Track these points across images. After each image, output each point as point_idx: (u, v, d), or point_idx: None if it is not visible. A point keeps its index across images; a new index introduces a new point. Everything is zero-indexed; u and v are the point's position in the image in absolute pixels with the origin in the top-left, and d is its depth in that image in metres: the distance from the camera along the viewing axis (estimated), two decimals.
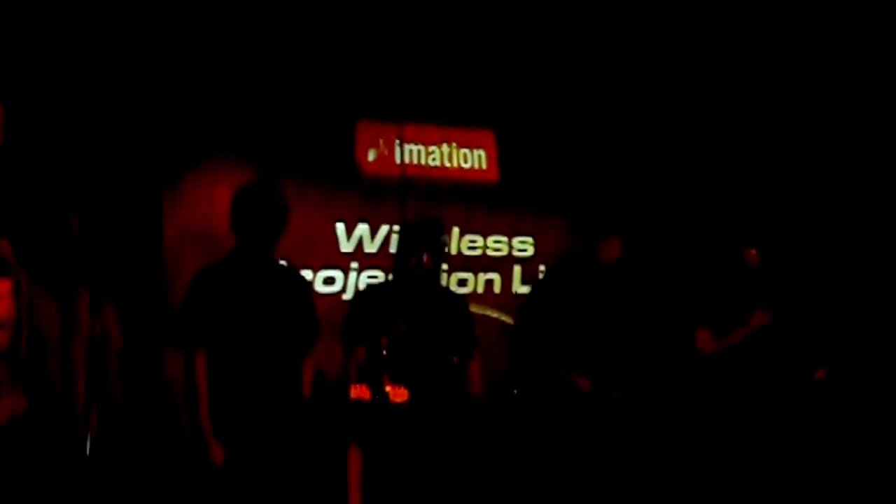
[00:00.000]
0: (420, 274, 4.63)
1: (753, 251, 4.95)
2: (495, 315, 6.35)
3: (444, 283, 6.11)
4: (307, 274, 5.84)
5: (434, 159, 6.47)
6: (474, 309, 6.20)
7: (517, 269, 6.57)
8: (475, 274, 6.41)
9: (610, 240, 4.87)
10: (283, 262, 4.61)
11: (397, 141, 6.34)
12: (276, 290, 4.26)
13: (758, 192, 6.50)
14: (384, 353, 4.42)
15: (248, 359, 4.09)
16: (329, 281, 6.00)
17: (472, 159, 6.58)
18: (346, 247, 6.10)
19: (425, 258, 4.60)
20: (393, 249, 6.10)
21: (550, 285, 5.07)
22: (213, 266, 4.32)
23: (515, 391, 4.74)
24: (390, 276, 4.89)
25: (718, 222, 5.99)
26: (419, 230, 4.71)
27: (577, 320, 4.76)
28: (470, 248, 6.43)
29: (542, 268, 6.60)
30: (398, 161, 6.32)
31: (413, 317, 4.57)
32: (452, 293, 5.11)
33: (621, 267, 4.94)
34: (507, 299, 6.43)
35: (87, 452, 3.44)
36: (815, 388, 4.97)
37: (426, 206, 6.16)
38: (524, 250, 6.62)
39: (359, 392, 4.25)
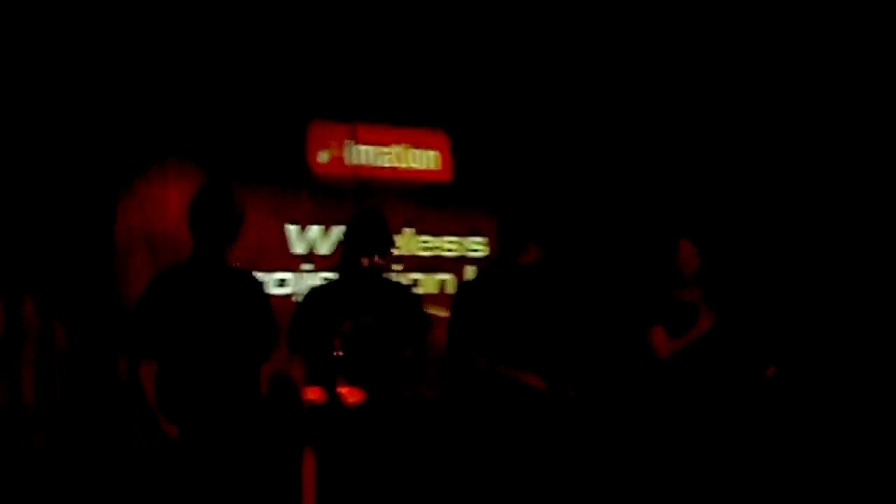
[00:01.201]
0: (364, 270, 4.58)
1: (689, 246, 4.94)
2: (444, 315, 6.32)
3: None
4: (259, 276, 5.77)
5: (387, 160, 6.45)
6: (429, 310, 6.21)
7: (470, 270, 6.57)
8: (428, 274, 6.39)
9: (529, 246, 4.73)
10: (238, 266, 4.53)
11: (349, 141, 6.30)
12: (231, 296, 4.19)
13: (703, 192, 6.57)
14: (338, 353, 4.38)
15: (202, 365, 4.04)
16: (281, 283, 5.95)
17: (424, 160, 6.57)
18: (299, 248, 6.06)
19: (376, 259, 4.56)
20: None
21: (478, 289, 4.99)
22: (167, 271, 4.25)
23: (467, 392, 4.71)
24: (334, 276, 4.82)
25: (662, 223, 6.04)
26: (365, 229, 4.65)
27: (511, 322, 4.68)
28: (423, 248, 6.41)
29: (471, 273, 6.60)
30: (350, 162, 6.29)
31: (360, 317, 4.54)
32: (397, 284, 5.06)
33: (546, 268, 4.88)
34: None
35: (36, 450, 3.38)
36: (767, 385, 5.00)
37: (378, 207, 6.12)
38: (477, 250, 6.62)
39: (313, 394, 4.22)
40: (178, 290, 4.10)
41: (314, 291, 4.78)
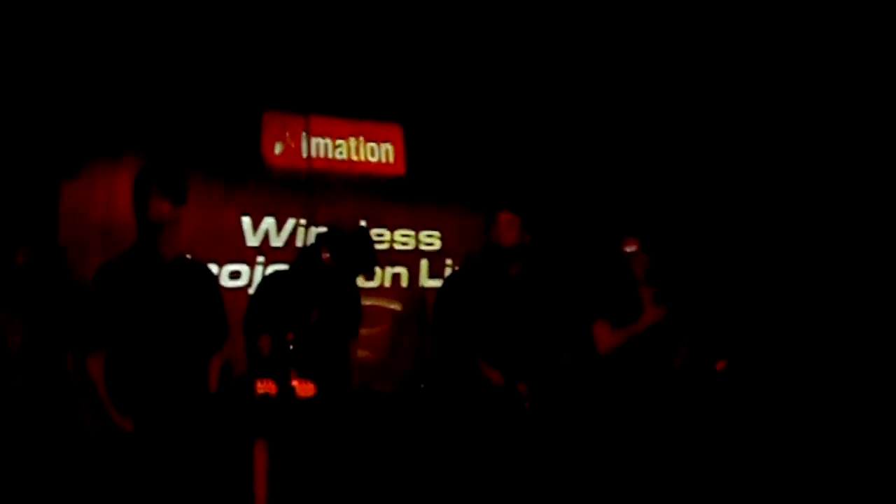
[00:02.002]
0: (325, 266, 4.62)
1: (634, 243, 4.97)
2: (392, 306, 6.36)
3: None
4: (212, 268, 5.76)
5: (341, 152, 6.46)
6: (382, 303, 6.24)
7: (424, 263, 6.59)
8: (382, 268, 6.40)
9: (498, 217, 4.70)
10: (188, 257, 4.51)
11: (304, 133, 6.29)
12: (181, 286, 4.17)
13: (652, 188, 6.63)
14: (291, 347, 4.39)
15: (152, 356, 4.01)
16: (235, 275, 5.94)
17: (379, 153, 6.58)
18: (252, 240, 6.05)
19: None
20: (300, 243, 6.12)
21: (461, 278, 5.04)
22: (111, 262, 4.20)
23: (422, 385, 4.75)
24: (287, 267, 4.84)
25: (614, 218, 6.10)
26: (358, 249, 4.69)
27: (486, 316, 4.74)
28: (377, 241, 6.42)
29: (448, 262, 6.63)
30: (305, 154, 6.28)
31: (319, 308, 4.57)
32: (352, 285, 5.10)
33: (526, 257, 4.91)
34: (414, 293, 6.45)
35: None
36: (717, 379, 5.06)
37: (332, 200, 6.14)
38: (431, 244, 6.65)
39: (265, 387, 4.22)
40: (125, 280, 4.06)
41: (266, 282, 4.79)
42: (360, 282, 6.11)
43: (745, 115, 6.57)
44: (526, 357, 4.72)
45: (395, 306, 6.39)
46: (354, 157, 6.50)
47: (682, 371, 4.92)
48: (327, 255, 4.60)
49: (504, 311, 4.71)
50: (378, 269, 6.38)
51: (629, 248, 4.91)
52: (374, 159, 6.56)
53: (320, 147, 6.37)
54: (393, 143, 6.63)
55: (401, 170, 6.62)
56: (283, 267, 5.96)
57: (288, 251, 6.10)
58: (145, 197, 4.02)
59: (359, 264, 4.66)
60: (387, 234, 6.48)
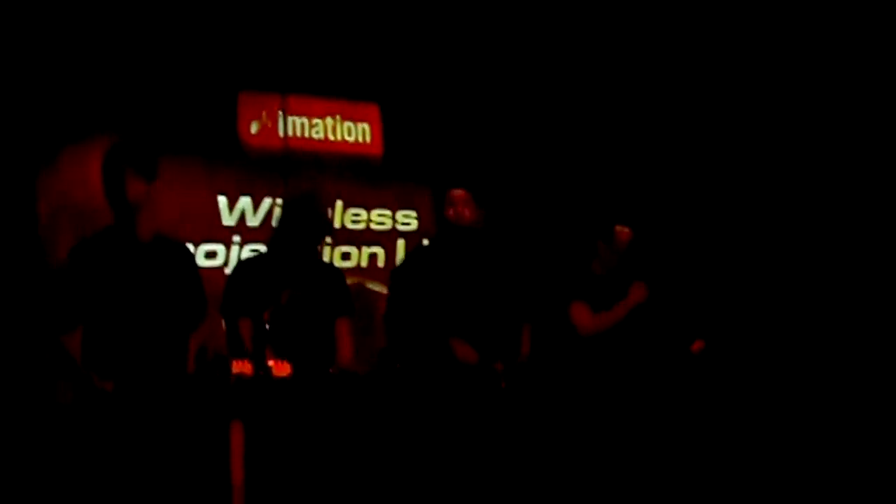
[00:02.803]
0: (299, 248, 4.61)
1: (626, 230, 5.02)
2: (378, 289, 6.36)
3: (327, 256, 6.12)
4: (188, 247, 5.74)
5: (318, 132, 6.43)
6: (372, 286, 6.24)
7: (401, 243, 6.59)
8: (359, 248, 6.41)
9: (450, 195, 4.74)
10: (167, 236, 4.49)
11: (280, 113, 6.27)
12: (158, 265, 4.15)
13: (634, 172, 6.65)
14: (266, 327, 4.39)
15: (129, 335, 4.00)
16: (210, 255, 5.92)
17: (356, 132, 6.57)
18: (229, 220, 6.03)
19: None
20: (276, 223, 6.09)
21: (418, 258, 5.04)
22: (86, 240, 4.17)
23: (398, 366, 4.75)
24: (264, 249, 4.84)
25: (596, 200, 6.11)
26: (304, 215, 4.68)
27: (446, 291, 4.73)
28: (353, 221, 6.42)
29: (425, 241, 6.62)
30: (281, 133, 6.26)
31: (294, 289, 4.56)
32: (331, 266, 5.09)
33: (493, 241, 4.93)
34: (390, 273, 6.44)
35: None
36: (693, 360, 5.10)
37: (309, 180, 6.13)
38: (408, 224, 6.65)
39: (241, 367, 4.21)
40: (101, 259, 4.04)
41: (244, 264, 4.79)
42: (338, 262, 6.17)
43: (724, 97, 6.59)
44: (499, 335, 4.74)
45: (374, 286, 6.39)
46: (331, 137, 6.48)
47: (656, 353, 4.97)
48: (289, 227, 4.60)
49: (467, 288, 4.70)
50: (354, 249, 6.39)
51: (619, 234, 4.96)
52: (350, 139, 6.54)
53: (297, 126, 6.35)
54: (370, 123, 6.61)
55: (378, 150, 6.60)
56: (259, 247, 6.00)
57: (264, 231, 6.08)
58: (120, 178, 4.00)
59: (307, 227, 4.63)
60: (363, 214, 6.47)
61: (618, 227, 5.02)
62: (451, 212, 4.76)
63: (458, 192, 4.76)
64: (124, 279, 4.05)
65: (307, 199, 4.72)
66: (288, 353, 4.29)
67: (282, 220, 4.71)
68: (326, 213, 4.69)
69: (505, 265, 4.92)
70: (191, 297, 4.25)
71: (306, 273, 4.60)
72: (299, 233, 4.58)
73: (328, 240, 6.01)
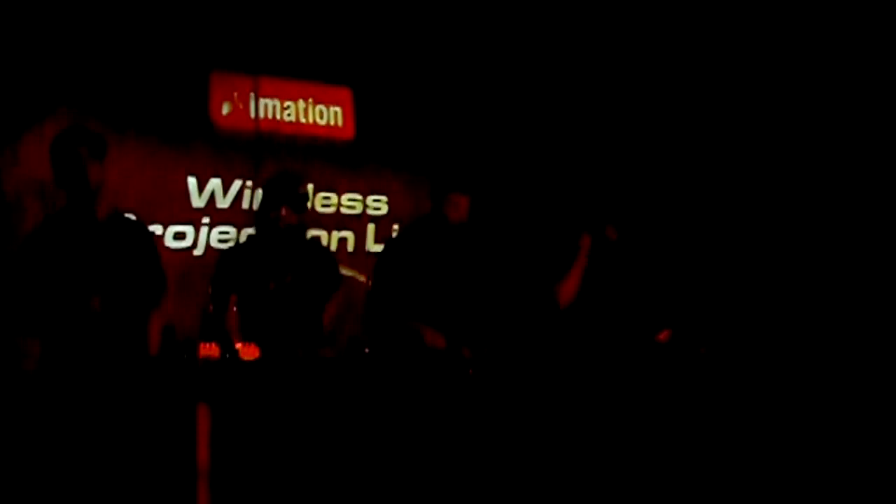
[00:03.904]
0: (282, 228, 4.65)
1: (612, 227, 5.08)
2: (349, 273, 6.36)
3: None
4: (157, 229, 5.73)
5: (289, 115, 6.41)
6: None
7: (371, 228, 6.59)
8: (329, 232, 6.40)
9: (454, 198, 4.85)
10: (128, 215, 4.45)
11: (252, 94, 6.24)
12: (115, 243, 4.10)
13: (616, 164, 6.67)
14: (234, 309, 4.40)
15: (84, 316, 3.97)
16: (180, 236, 5.90)
17: (327, 116, 6.55)
18: (198, 202, 6.00)
19: (283, 212, 4.62)
20: (246, 205, 6.10)
21: (403, 244, 5.10)
22: (39, 228, 4.13)
23: (367, 350, 4.76)
24: (251, 232, 4.89)
25: (580, 194, 6.13)
26: (277, 184, 4.72)
27: (428, 280, 4.81)
28: (324, 205, 6.41)
29: (395, 227, 6.64)
30: (253, 115, 6.24)
31: (278, 273, 4.58)
32: (316, 243, 5.15)
33: (473, 229, 4.98)
34: (360, 258, 6.45)
35: None
36: (660, 349, 5.13)
37: (280, 162, 6.11)
38: (378, 209, 6.65)
39: (208, 350, 4.21)
40: (56, 241, 4.00)
41: (231, 249, 4.83)
42: None
43: (708, 92, 6.62)
44: (469, 322, 4.78)
45: (346, 272, 6.38)
46: (303, 120, 6.46)
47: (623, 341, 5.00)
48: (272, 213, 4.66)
49: (447, 277, 4.76)
50: (324, 233, 6.38)
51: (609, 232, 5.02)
52: (322, 122, 6.52)
53: (268, 108, 6.32)
54: (342, 107, 6.60)
55: (349, 134, 6.59)
56: (228, 228, 6.00)
57: (234, 213, 6.08)
58: (79, 163, 3.99)
59: (282, 197, 4.67)
60: (334, 198, 6.46)
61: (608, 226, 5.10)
62: (449, 211, 4.83)
63: (461, 198, 4.84)
64: (82, 259, 4.00)
65: (282, 175, 4.77)
66: (274, 337, 4.34)
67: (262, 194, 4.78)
68: (300, 186, 4.73)
69: (485, 256, 5.00)
70: (149, 275, 4.21)
71: (291, 255, 4.65)
72: (274, 202, 4.65)
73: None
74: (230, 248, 5.04)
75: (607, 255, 5.06)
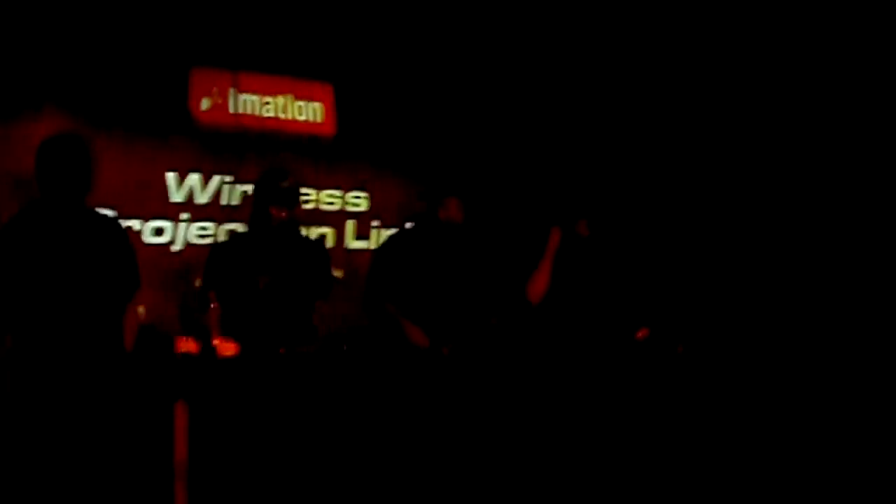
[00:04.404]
0: (273, 226, 4.68)
1: (584, 222, 5.09)
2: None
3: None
4: (135, 224, 5.72)
5: (270, 110, 6.40)
6: None
7: (350, 224, 6.59)
8: (308, 228, 6.37)
9: (448, 201, 4.96)
10: (102, 211, 4.40)
11: (232, 90, 6.23)
12: (83, 240, 4.07)
13: (591, 163, 6.68)
14: (212, 305, 4.39)
15: (57, 312, 3.94)
16: (158, 231, 5.88)
17: (308, 112, 6.54)
18: (177, 197, 5.98)
19: (272, 210, 4.65)
20: (225, 201, 6.09)
21: (403, 240, 5.16)
22: (12, 222, 4.10)
23: (345, 346, 4.77)
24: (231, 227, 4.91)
25: (556, 190, 6.13)
26: (262, 182, 4.76)
27: (421, 277, 4.85)
28: (303, 201, 6.38)
29: (374, 223, 6.64)
30: (233, 111, 6.22)
31: (270, 269, 4.61)
32: (309, 240, 5.19)
33: (465, 229, 5.03)
34: (339, 254, 6.44)
35: None
36: (637, 348, 5.15)
37: (260, 158, 6.10)
38: (358, 205, 6.64)
39: (186, 346, 4.20)
40: (27, 239, 3.97)
41: (224, 243, 4.84)
42: None
43: (680, 89, 6.65)
44: (454, 321, 4.82)
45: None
46: (283, 116, 6.45)
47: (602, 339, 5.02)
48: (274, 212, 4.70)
49: (438, 277, 4.81)
50: (304, 229, 6.36)
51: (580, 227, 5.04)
52: (302, 118, 6.51)
53: (248, 104, 6.31)
54: (323, 103, 6.59)
55: (330, 130, 6.58)
56: (207, 224, 5.98)
57: (213, 208, 6.06)
58: (89, 166, 4.01)
59: (272, 190, 4.70)
60: (313, 194, 6.46)
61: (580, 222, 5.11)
62: (444, 214, 4.97)
63: (454, 201, 4.97)
64: (51, 255, 3.97)
65: (277, 169, 4.82)
66: (260, 334, 4.34)
67: (254, 189, 4.83)
68: (290, 186, 4.75)
69: (474, 257, 5.07)
70: (122, 268, 4.17)
71: (284, 252, 4.71)
72: (267, 198, 4.69)
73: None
74: (221, 242, 5.04)
75: (579, 251, 5.06)
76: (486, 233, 5.88)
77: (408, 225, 5.35)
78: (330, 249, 6.42)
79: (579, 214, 5.09)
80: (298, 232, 5.00)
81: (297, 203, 4.82)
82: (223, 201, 6.10)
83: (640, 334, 5.20)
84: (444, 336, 4.76)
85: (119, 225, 4.28)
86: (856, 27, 5.90)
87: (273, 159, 6.05)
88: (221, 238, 5.96)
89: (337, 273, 6.22)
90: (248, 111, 6.30)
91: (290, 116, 6.47)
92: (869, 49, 5.89)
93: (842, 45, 6.00)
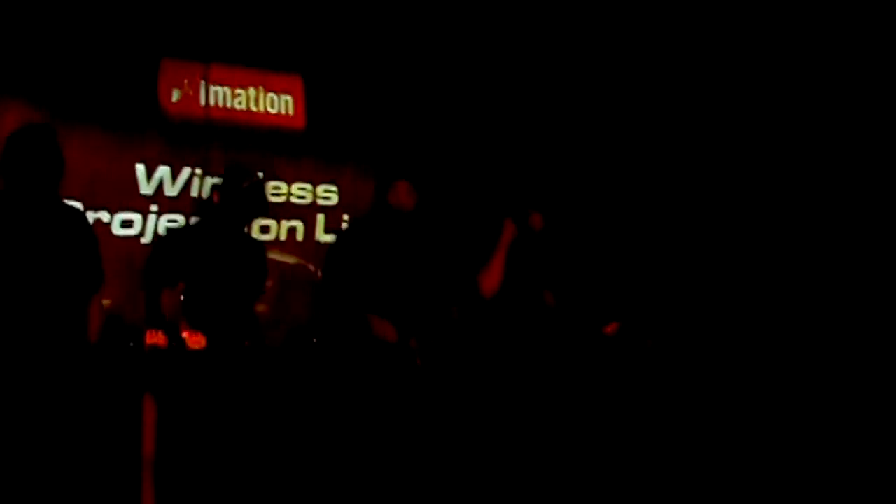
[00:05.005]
0: (223, 218, 4.62)
1: (538, 216, 5.07)
2: (295, 262, 6.36)
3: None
4: (104, 216, 5.69)
5: (240, 102, 6.38)
6: (276, 256, 6.21)
7: (321, 218, 6.58)
8: (278, 221, 6.38)
9: (397, 185, 4.78)
10: (69, 203, 4.37)
11: (202, 82, 6.20)
12: (47, 232, 4.04)
13: (557, 150, 6.71)
14: (182, 298, 4.37)
15: (20, 303, 3.91)
16: (127, 224, 5.85)
17: (278, 104, 6.52)
18: (146, 189, 5.95)
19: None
20: (195, 193, 6.06)
21: (352, 235, 5.08)
22: None
23: (315, 340, 4.77)
24: (192, 220, 4.83)
25: (509, 184, 6.15)
26: (223, 178, 4.71)
27: (377, 269, 4.79)
28: (273, 194, 6.37)
29: (345, 216, 6.63)
30: (203, 103, 6.20)
31: (214, 262, 4.55)
32: (253, 240, 5.10)
33: (419, 217, 4.97)
34: (310, 247, 6.44)
35: None
36: (606, 342, 5.17)
37: (230, 150, 6.09)
38: (328, 198, 6.63)
39: (154, 338, 4.19)
40: None
41: (167, 235, 4.76)
42: (257, 235, 6.14)
43: (638, 76, 6.68)
44: (417, 313, 4.77)
45: (291, 260, 6.38)
46: (253, 108, 6.42)
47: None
48: (217, 198, 4.61)
49: (396, 268, 4.76)
50: (274, 223, 6.37)
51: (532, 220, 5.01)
52: (273, 111, 6.49)
53: (219, 96, 6.29)
54: (293, 96, 6.57)
55: (300, 123, 6.57)
56: (176, 216, 5.96)
57: (182, 201, 6.04)
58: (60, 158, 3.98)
59: (247, 206, 4.65)
60: (284, 188, 6.44)
61: (532, 213, 5.08)
62: (394, 199, 4.78)
63: (404, 184, 4.78)
64: (18, 246, 3.95)
65: (252, 182, 4.74)
66: (203, 327, 4.29)
67: (222, 196, 4.68)
68: (266, 198, 4.71)
69: (432, 248, 4.97)
70: (86, 262, 4.13)
71: (228, 247, 4.61)
72: (240, 214, 4.62)
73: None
74: (166, 234, 4.94)
75: (532, 245, 5.05)
76: (441, 221, 5.86)
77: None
78: (300, 243, 6.46)
79: (532, 207, 5.06)
80: (242, 228, 4.91)
81: (262, 203, 4.79)
82: (193, 193, 6.08)
83: (609, 329, 5.23)
84: (408, 328, 4.72)
85: (84, 217, 4.25)
86: (842, 27, 5.94)
87: (244, 151, 6.04)
88: None
89: (290, 259, 6.24)
90: (219, 103, 6.28)
91: (260, 109, 6.45)
92: (850, 48, 5.94)
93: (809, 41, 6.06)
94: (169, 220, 5.97)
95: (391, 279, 4.73)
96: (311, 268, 6.34)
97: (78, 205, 5.47)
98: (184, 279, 4.49)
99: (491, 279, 4.94)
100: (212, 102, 6.23)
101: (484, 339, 4.98)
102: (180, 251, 4.57)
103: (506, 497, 4.63)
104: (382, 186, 4.81)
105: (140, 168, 5.94)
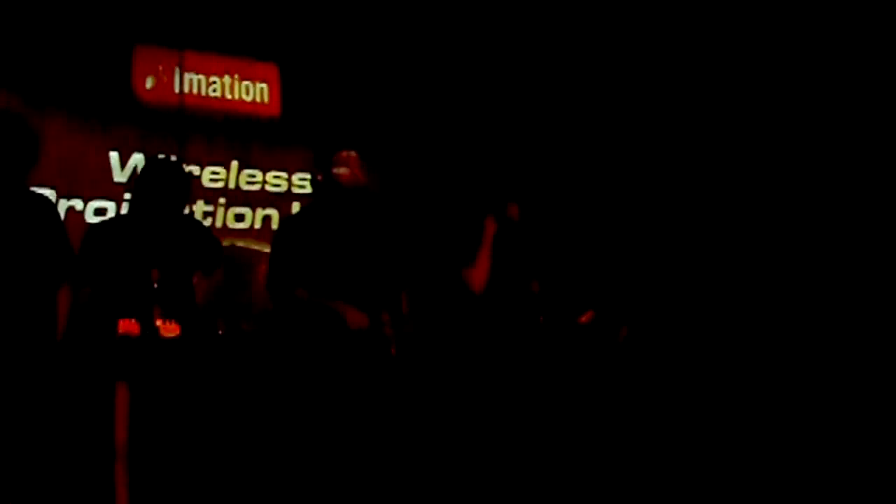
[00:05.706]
0: (157, 209, 4.52)
1: (515, 206, 5.09)
2: (259, 248, 6.33)
3: (220, 219, 6.10)
4: (77, 203, 5.66)
5: (215, 90, 6.36)
6: (252, 245, 6.21)
7: (296, 206, 6.56)
8: (253, 209, 6.37)
9: (343, 157, 4.60)
10: (39, 191, 4.33)
11: (177, 69, 6.18)
12: (16, 219, 4.01)
13: (527, 139, 6.72)
14: (155, 286, 4.34)
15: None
16: (101, 212, 5.81)
17: (253, 92, 6.50)
18: (120, 177, 5.92)
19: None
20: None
21: (299, 218, 4.95)
22: None
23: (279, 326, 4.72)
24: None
25: (486, 175, 6.17)
26: (164, 180, 4.56)
27: (327, 251, 4.56)
28: (249, 182, 6.37)
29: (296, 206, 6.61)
30: (177, 90, 6.17)
31: (154, 249, 4.47)
32: (191, 219, 5.07)
33: (377, 197, 4.92)
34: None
35: None
36: (581, 331, 5.20)
37: (205, 138, 6.07)
38: (303, 187, 6.62)
39: (127, 327, 4.17)
40: None
41: (99, 225, 4.66)
42: (232, 223, 6.14)
43: (616, 67, 6.70)
44: (376, 292, 4.67)
45: (266, 248, 6.35)
46: (228, 96, 6.41)
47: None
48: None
49: (350, 250, 4.59)
50: (249, 211, 6.35)
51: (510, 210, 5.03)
52: (248, 98, 6.48)
53: (193, 83, 6.27)
54: (268, 83, 6.56)
55: (275, 111, 6.56)
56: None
57: None
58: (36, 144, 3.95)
59: (170, 194, 4.54)
60: (259, 176, 6.43)
61: (510, 205, 5.09)
62: (342, 172, 4.58)
63: (350, 154, 4.62)
64: None
65: (170, 167, 4.65)
66: (175, 313, 4.27)
67: (142, 182, 4.58)
68: (190, 180, 4.60)
69: (389, 230, 4.87)
70: (52, 251, 4.11)
71: (172, 234, 4.57)
72: (161, 198, 4.51)
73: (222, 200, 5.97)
74: (99, 224, 4.81)
75: (513, 236, 5.06)
76: (412, 210, 5.83)
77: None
78: (275, 231, 6.42)
79: (510, 199, 5.07)
80: (180, 213, 4.75)
81: (188, 195, 4.68)
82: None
83: (583, 318, 5.25)
84: (373, 308, 4.53)
85: (52, 205, 4.22)
86: (842, 27, 5.97)
87: (218, 139, 6.02)
88: None
89: (265, 248, 6.19)
90: (194, 91, 6.26)
91: (235, 96, 6.43)
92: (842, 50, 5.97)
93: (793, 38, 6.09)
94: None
95: (347, 262, 4.56)
96: None
97: (51, 192, 5.48)
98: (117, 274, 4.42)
99: (479, 275, 4.96)
100: (186, 90, 6.21)
101: (468, 332, 4.99)
102: (114, 244, 4.48)
103: (486, 487, 4.65)
104: (325, 164, 4.63)
105: (114, 156, 5.91)
